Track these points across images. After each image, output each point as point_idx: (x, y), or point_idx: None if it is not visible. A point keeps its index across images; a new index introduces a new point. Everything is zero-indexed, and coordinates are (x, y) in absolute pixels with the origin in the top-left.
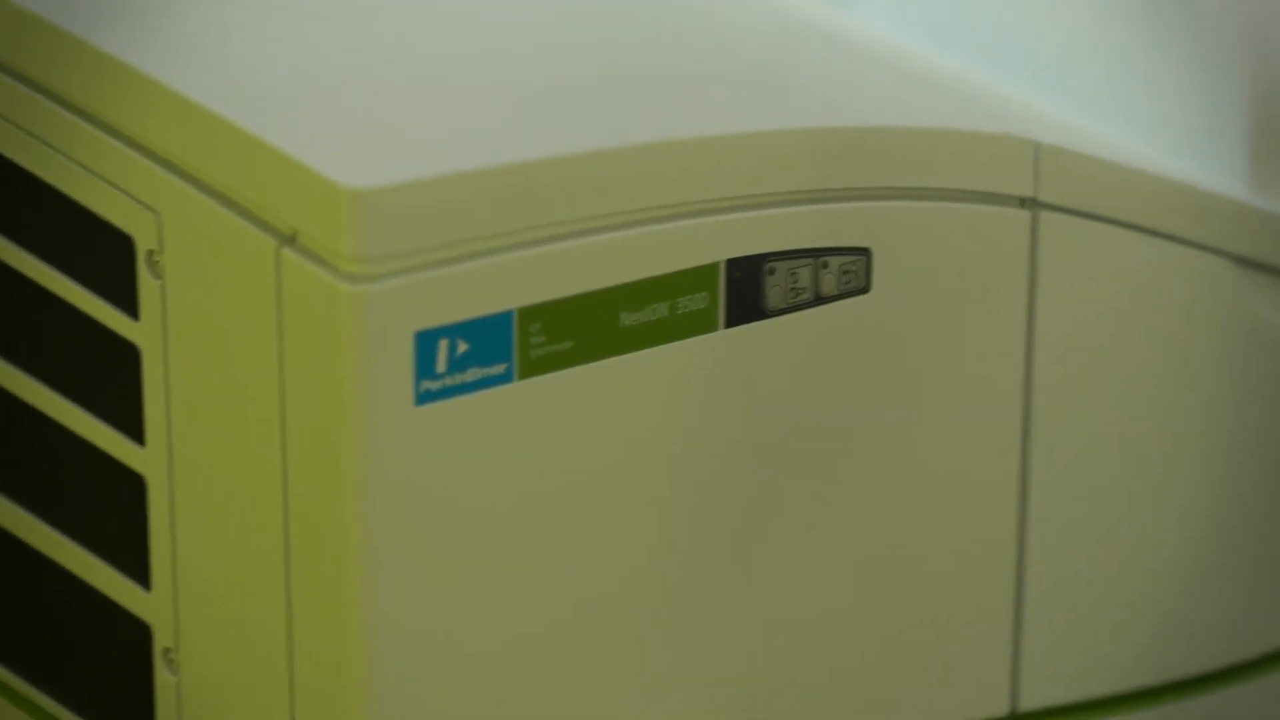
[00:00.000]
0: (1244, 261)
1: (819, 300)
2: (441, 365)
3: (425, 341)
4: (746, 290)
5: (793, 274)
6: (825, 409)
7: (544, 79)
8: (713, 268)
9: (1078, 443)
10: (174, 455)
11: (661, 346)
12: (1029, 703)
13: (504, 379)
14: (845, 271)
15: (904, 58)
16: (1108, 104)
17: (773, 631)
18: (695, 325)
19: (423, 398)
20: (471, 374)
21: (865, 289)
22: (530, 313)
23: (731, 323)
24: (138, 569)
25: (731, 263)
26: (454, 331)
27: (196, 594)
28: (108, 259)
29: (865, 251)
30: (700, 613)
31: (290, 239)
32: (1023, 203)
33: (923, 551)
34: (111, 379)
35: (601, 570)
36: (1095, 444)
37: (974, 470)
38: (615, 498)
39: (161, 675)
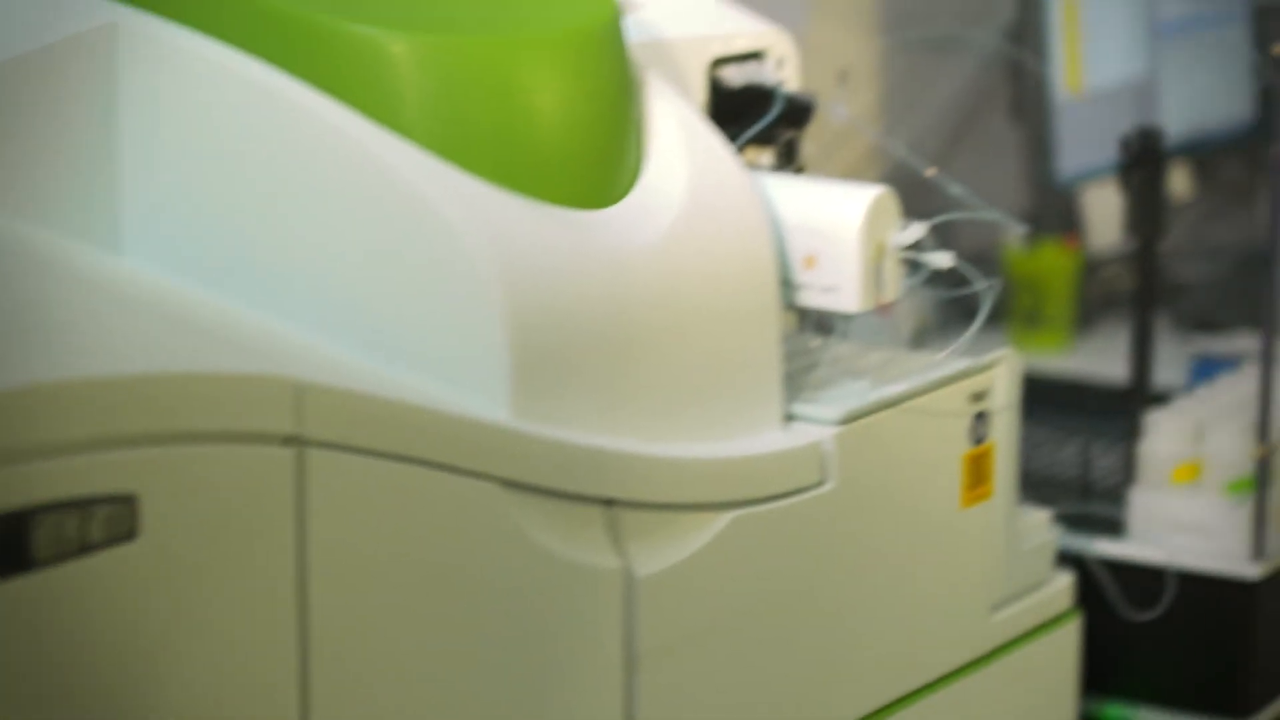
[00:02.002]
0: (510, 484)
1: (86, 550)
2: None
3: None
4: (12, 544)
5: (59, 525)
6: (98, 657)
7: None
8: None
9: (359, 671)
10: None
11: None
12: None
13: None
14: (112, 519)
15: (171, 301)
16: (376, 338)
17: None
18: None
19: None
20: None
21: (132, 536)
22: None
23: None
24: None
25: None
26: None
27: None
28: None
29: (132, 499)
30: None
31: None
32: (286, 441)
33: None
34: None
35: None
36: (376, 670)
37: (254, 707)
38: None
39: None
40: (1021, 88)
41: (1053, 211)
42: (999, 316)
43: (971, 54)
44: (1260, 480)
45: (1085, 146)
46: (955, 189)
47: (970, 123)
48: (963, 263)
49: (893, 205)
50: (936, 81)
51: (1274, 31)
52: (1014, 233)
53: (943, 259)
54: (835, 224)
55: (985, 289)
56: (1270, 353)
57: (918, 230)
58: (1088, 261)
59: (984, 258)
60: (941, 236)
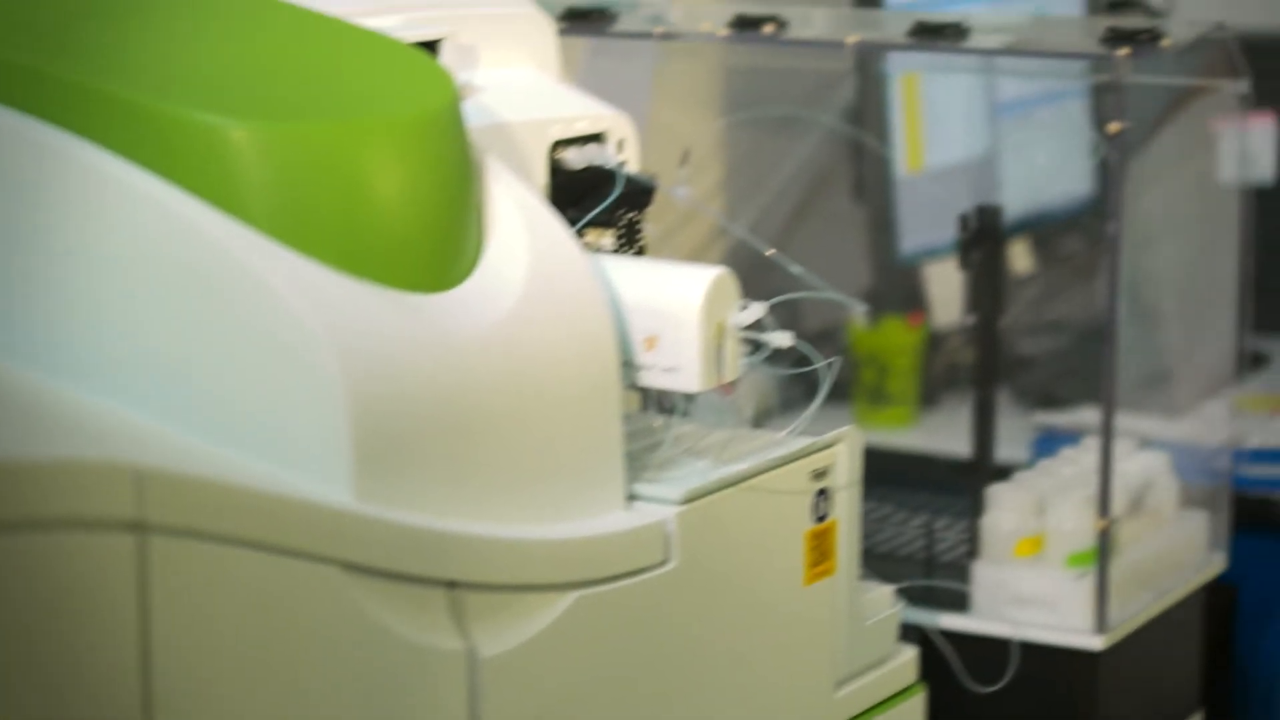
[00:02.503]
0: (353, 567)
1: None
2: None
3: None
4: None
5: None
6: None
7: None
8: None
9: None
10: None
11: None
12: None
13: None
14: None
15: (9, 386)
16: (218, 422)
17: None
18: None
19: None
20: None
21: None
22: None
23: None
24: None
25: None
26: None
27: None
28: None
29: None
30: None
31: None
32: (128, 527)
33: None
34: None
35: None
36: None
37: None
38: None
39: None
40: (863, 167)
41: (897, 289)
42: (845, 393)
43: (813, 133)
44: (1102, 552)
45: (927, 225)
46: (795, 269)
47: (814, 202)
48: (803, 342)
49: (732, 286)
50: (779, 161)
51: (1111, 108)
52: (855, 311)
53: (782, 338)
54: (675, 305)
55: (825, 367)
56: (1110, 426)
57: (757, 310)
58: (931, 337)
59: (829, 335)
60: (787, 315)
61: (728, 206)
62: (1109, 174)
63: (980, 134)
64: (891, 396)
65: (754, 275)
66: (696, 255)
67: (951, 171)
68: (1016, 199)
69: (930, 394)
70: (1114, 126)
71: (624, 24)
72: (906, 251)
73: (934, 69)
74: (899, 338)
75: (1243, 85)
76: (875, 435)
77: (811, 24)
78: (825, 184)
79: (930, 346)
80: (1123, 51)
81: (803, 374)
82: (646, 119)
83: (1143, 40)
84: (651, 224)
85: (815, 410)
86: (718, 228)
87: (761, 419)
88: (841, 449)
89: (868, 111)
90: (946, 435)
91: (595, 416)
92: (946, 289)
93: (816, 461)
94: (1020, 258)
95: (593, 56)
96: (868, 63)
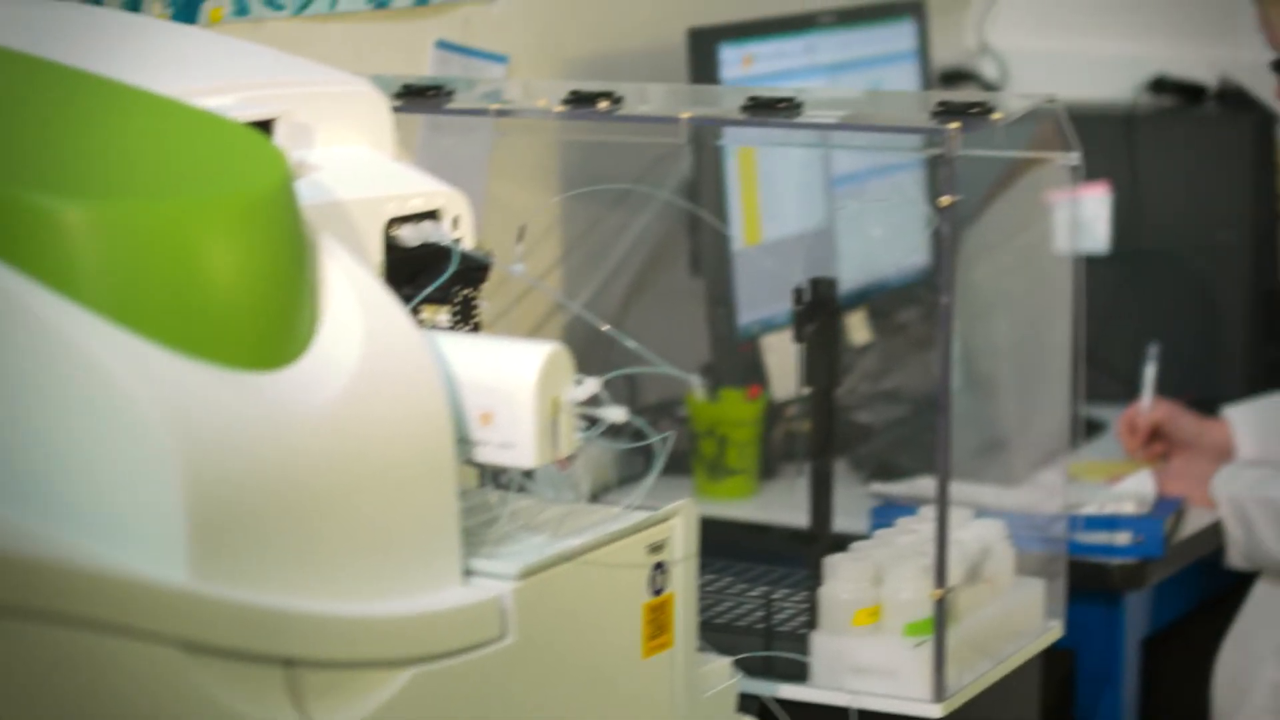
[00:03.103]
0: (190, 646)
1: None
2: None
3: None
4: None
5: None
6: None
7: None
8: None
9: None
10: None
11: None
12: None
13: None
14: None
15: None
16: (53, 503)
17: None
18: None
19: None
20: None
21: None
22: None
23: None
24: None
25: None
26: None
27: None
28: None
29: None
30: None
31: None
32: None
33: None
34: None
35: None
36: None
37: None
38: None
39: None
40: (700, 241)
41: (736, 361)
42: (685, 465)
43: (650, 208)
44: (938, 621)
45: (765, 297)
46: (630, 343)
47: (652, 276)
48: (638, 416)
49: (567, 361)
50: (617, 236)
51: (942, 182)
52: (691, 385)
53: (617, 413)
54: (509, 381)
55: (659, 440)
56: (945, 495)
57: (592, 385)
58: (770, 409)
59: (668, 408)
60: (626, 389)
61: (566, 282)
62: (940, 246)
63: (816, 207)
64: (731, 468)
65: (592, 351)
66: (534, 331)
67: (788, 244)
68: (853, 271)
69: (769, 465)
70: (945, 200)
71: (460, 101)
72: (745, 324)
73: (769, 143)
74: (738, 410)
75: (1073, 157)
76: (715, 506)
77: (647, 99)
78: (663, 258)
79: (769, 418)
80: (953, 125)
81: (641, 448)
82: (484, 195)
83: (974, 114)
84: (487, 300)
85: (651, 484)
86: (555, 304)
87: (599, 493)
88: (677, 522)
89: (704, 186)
90: (785, 506)
91: (431, 493)
92: (784, 361)
93: (653, 535)
94: (857, 329)
95: (429, 133)
96: (703, 137)
